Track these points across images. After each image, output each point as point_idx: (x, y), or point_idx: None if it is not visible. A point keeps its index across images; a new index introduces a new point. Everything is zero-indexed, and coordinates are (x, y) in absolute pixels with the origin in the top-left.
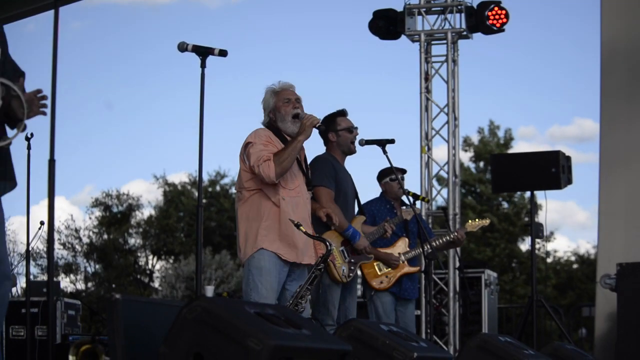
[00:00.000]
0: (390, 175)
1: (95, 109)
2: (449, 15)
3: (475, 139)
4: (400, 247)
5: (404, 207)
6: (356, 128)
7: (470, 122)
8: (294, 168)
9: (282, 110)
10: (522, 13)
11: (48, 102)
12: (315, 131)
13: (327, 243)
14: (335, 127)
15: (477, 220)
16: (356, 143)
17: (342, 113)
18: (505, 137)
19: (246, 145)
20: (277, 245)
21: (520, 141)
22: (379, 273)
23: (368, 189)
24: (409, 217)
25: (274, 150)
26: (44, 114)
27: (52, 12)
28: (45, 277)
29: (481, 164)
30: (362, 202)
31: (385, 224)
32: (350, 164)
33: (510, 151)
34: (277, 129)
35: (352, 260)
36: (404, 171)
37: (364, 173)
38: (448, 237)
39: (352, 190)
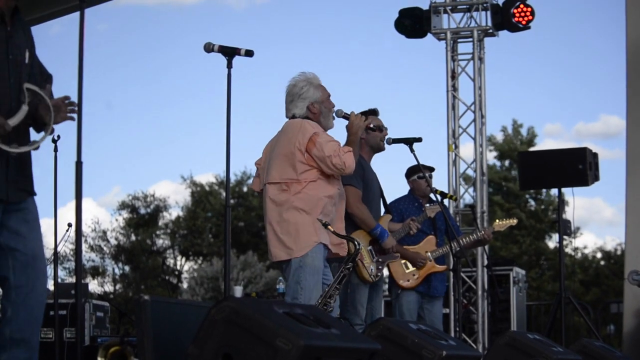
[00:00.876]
0: (418, 173)
1: (121, 110)
2: (474, 13)
3: (499, 137)
4: (427, 245)
5: (427, 205)
6: (386, 128)
7: (496, 119)
8: None
9: (328, 105)
10: (547, 10)
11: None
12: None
13: (356, 242)
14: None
15: (504, 219)
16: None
17: (374, 112)
18: (529, 135)
19: (310, 136)
20: (334, 239)
21: (547, 138)
22: (406, 271)
23: (394, 188)
24: (432, 214)
25: None
26: (72, 119)
27: (77, 14)
28: (72, 280)
29: (506, 162)
30: (389, 200)
31: (410, 222)
32: (377, 162)
33: (535, 149)
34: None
35: (380, 260)
36: (432, 169)
37: (390, 171)
38: (475, 236)
39: (378, 189)
